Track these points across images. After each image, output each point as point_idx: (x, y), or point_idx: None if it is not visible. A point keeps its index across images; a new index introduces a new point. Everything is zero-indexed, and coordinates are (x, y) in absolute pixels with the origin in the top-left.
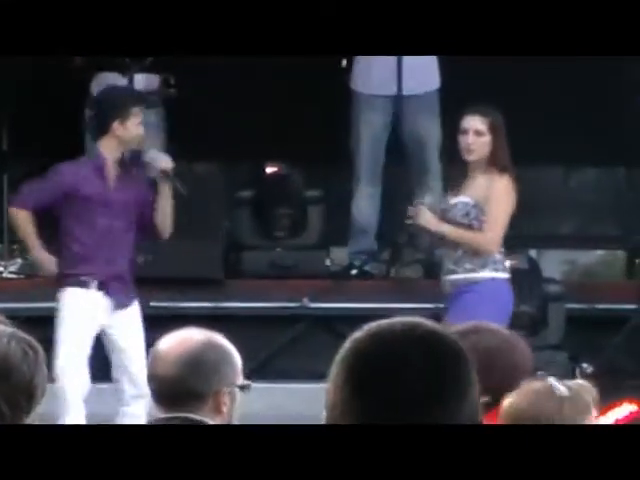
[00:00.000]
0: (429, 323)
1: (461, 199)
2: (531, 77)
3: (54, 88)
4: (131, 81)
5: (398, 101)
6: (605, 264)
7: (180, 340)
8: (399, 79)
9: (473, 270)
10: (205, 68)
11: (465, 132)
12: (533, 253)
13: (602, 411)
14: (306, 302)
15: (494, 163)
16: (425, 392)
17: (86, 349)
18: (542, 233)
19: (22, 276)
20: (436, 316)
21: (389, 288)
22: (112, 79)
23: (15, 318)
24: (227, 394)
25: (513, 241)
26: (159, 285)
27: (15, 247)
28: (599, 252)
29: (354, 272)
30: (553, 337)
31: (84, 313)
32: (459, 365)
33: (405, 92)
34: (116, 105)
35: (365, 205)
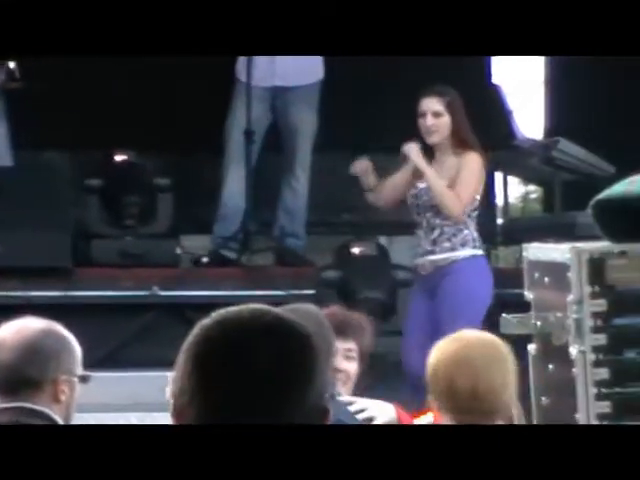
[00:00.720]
0: (277, 310)
1: None
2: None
3: None
4: None
5: (277, 92)
6: None
7: (18, 328)
8: (279, 71)
9: (453, 249)
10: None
11: (423, 115)
12: (382, 240)
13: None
14: (156, 290)
15: (460, 142)
16: (271, 378)
17: None
18: (391, 220)
19: None
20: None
21: (240, 275)
22: None
23: None
24: (66, 383)
25: (362, 228)
26: (6, 274)
27: None
28: None
29: (205, 260)
30: (402, 322)
31: None
32: (306, 351)
33: (285, 84)
34: None
35: (234, 192)
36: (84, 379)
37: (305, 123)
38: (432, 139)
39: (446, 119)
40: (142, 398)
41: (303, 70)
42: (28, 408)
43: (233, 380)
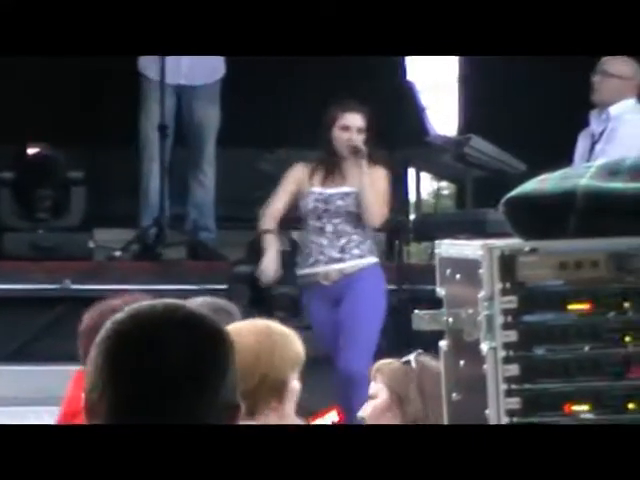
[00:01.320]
0: (190, 305)
1: (346, 189)
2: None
3: None
4: None
5: (182, 89)
6: None
7: None
8: (184, 70)
9: (362, 256)
10: None
11: (347, 129)
12: (295, 235)
13: (314, 417)
14: (68, 283)
15: (371, 158)
16: (185, 374)
17: None
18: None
19: None
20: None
21: (153, 269)
22: None
23: None
24: None
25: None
26: None
27: None
28: None
29: (117, 253)
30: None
31: None
32: (219, 347)
33: (188, 83)
34: None
35: (152, 186)
36: None
37: (209, 119)
38: (357, 154)
39: (365, 135)
40: (53, 392)
41: (206, 69)
42: None
43: (145, 376)
